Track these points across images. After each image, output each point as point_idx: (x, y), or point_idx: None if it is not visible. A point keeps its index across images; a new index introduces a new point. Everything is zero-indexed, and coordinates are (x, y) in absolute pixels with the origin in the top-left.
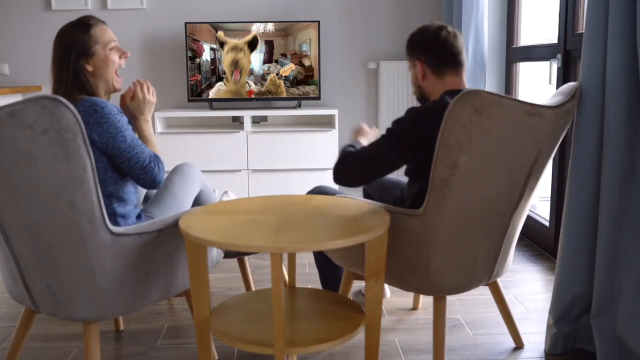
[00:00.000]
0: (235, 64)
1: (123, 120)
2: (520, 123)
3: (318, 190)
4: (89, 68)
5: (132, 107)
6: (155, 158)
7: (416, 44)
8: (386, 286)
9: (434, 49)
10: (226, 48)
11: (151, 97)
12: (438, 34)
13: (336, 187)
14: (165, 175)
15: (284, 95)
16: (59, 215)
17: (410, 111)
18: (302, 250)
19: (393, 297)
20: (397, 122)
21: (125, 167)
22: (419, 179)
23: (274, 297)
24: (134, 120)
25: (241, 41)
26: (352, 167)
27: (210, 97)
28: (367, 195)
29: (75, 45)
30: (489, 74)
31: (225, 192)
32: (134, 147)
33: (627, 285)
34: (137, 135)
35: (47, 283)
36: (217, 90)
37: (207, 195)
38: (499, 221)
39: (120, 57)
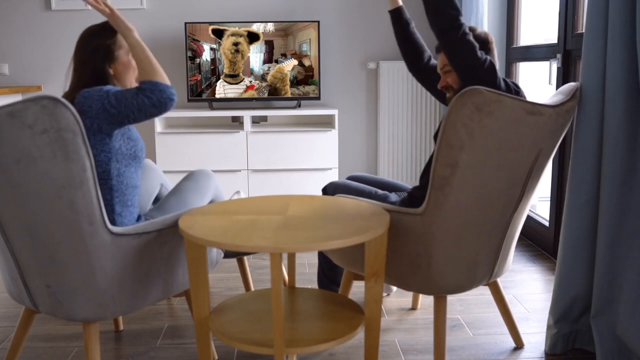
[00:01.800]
0: (235, 45)
1: (106, 88)
2: (521, 121)
3: (334, 187)
4: (111, 72)
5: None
6: (139, 89)
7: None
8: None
9: (487, 50)
10: (226, 34)
11: (104, 7)
12: (486, 35)
13: (347, 181)
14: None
15: (288, 88)
16: (59, 215)
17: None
18: (301, 250)
19: (393, 297)
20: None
21: (131, 118)
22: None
23: (273, 297)
24: (126, 40)
25: (241, 29)
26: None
27: (215, 96)
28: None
29: (100, 49)
30: None
31: (237, 192)
32: (120, 103)
33: (627, 286)
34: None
35: (46, 283)
36: (221, 88)
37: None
38: (499, 220)
39: None
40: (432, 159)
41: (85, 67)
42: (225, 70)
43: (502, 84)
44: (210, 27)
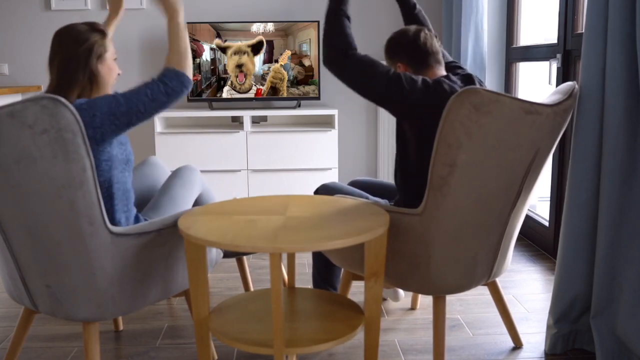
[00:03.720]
0: (239, 67)
1: (111, 94)
2: (519, 121)
3: (324, 189)
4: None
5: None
6: (161, 75)
7: (397, 46)
8: (399, 290)
9: (415, 50)
10: (229, 52)
11: None
12: (418, 35)
13: (341, 183)
14: (159, 171)
15: (285, 89)
16: (59, 215)
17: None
18: (301, 250)
19: (397, 302)
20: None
21: (140, 114)
22: (416, 178)
23: (273, 297)
24: (169, 21)
25: (244, 44)
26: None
27: (215, 96)
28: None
29: (94, 48)
30: (489, 74)
31: (235, 199)
32: (130, 100)
33: (627, 286)
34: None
35: (46, 283)
36: (227, 95)
37: (207, 198)
38: (498, 219)
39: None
40: (402, 159)
41: (79, 65)
42: (233, 81)
43: (420, 84)
44: (215, 42)
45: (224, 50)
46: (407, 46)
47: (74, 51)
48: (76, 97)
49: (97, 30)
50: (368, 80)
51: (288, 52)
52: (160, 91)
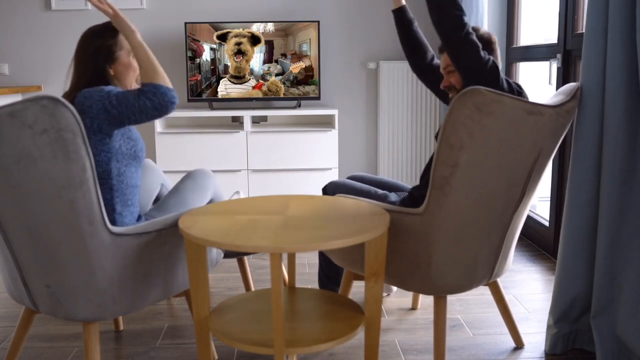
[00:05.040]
0: (238, 46)
1: (107, 89)
2: (521, 121)
3: (334, 186)
4: (111, 72)
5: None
6: (140, 91)
7: (492, 44)
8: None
9: (490, 49)
10: (230, 35)
11: (107, 8)
12: (489, 35)
13: (347, 180)
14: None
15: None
16: (59, 215)
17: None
18: (301, 250)
19: (393, 297)
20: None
21: (132, 119)
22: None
23: (273, 297)
24: (129, 41)
25: (244, 30)
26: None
27: (216, 96)
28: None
29: (102, 49)
30: None
31: (237, 192)
32: (121, 104)
33: (627, 286)
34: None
35: (46, 283)
36: (223, 87)
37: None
38: (499, 220)
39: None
40: (432, 159)
41: (86, 67)
42: (231, 71)
43: (505, 84)
44: (215, 34)
45: (224, 36)
46: (486, 44)
47: (83, 54)
48: None
49: (107, 30)
50: (480, 59)
51: (302, 65)
52: (148, 106)
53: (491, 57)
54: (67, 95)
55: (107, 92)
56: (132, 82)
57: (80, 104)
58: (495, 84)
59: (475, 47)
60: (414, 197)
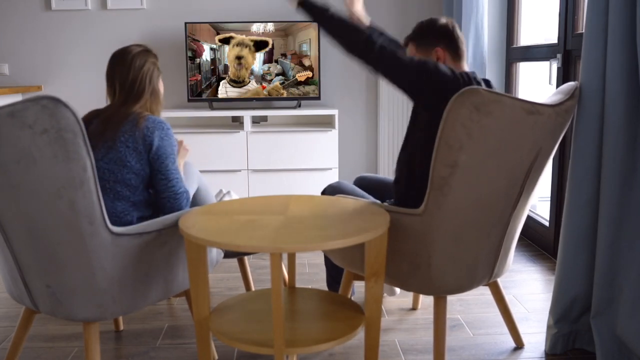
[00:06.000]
0: (239, 59)
1: (176, 148)
2: (520, 121)
3: (332, 190)
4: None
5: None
6: (187, 194)
7: (435, 31)
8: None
9: (450, 36)
10: (232, 42)
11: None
12: (448, 23)
13: (347, 182)
14: None
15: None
16: (59, 215)
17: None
18: (301, 250)
19: (393, 297)
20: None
21: (161, 185)
22: (417, 180)
23: (273, 297)
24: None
25: (247, 38)
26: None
27: (218, 96)
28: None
29: (156, 69)
30: (489, 74)
31: (228, 193)
32: (177, 173)
33: (627, 286)
34: None
35: (47, 283)
36: (224, 90)
37: (204, 194)
38: (499, 220)
39: None
40: (405, 151)
41: (143, 85)
42: (230, 75)
43: (449, 72)
44: (217, 37)
45: (227, 40)
46: (443, 31)
47: (138, 71)
48: (138, 109)
49: (152, 52)
50: (399, 70)
51: (309, 74)
52: (165, 205)
53: (415, 57)
54: (117, 108)
55: (174, 154)
56: (160, 105)
57: (155, 128)
58: (436, 75)
59: (393, 57)
60: (403, 197)
